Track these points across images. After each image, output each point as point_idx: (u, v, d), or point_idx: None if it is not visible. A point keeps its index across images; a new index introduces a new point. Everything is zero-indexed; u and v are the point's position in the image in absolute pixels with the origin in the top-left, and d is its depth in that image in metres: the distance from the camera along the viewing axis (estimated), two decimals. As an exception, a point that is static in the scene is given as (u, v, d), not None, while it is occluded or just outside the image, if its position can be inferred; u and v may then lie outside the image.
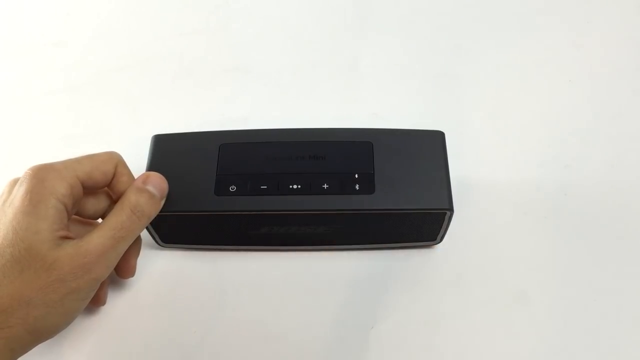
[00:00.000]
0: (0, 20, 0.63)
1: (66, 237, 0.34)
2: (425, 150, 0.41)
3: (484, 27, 0.60)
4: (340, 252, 0.45)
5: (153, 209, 0.37)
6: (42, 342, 0.34)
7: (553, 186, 0.48)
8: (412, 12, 0.61)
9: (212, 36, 0.60)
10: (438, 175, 0.40)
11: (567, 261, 0.44)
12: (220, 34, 0.60)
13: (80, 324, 0.41)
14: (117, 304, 0.43)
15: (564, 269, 0.44)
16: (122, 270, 0.40)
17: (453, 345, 0.40)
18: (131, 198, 0.36)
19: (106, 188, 0.39)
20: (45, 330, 0.34)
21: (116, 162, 0.38)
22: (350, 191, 0.39)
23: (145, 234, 0.41)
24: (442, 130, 0.42)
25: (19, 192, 0.33)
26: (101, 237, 0.34)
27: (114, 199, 0.38)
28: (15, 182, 0.35)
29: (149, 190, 0.37)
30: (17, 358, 0.33)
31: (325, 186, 0.39)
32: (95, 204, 0.38)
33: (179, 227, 0.42)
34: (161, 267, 0.44)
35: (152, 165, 0.41)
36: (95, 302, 0.41)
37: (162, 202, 0.38)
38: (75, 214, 0.38)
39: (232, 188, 0.40)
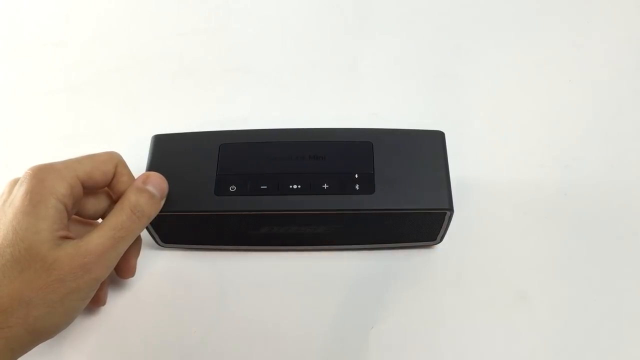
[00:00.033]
0: (0, 20, 0.63)
1: (66, 237, 0.34)
2: (425, 150, 0.41)
3: (484, 27, 0.60)
4: (340, 252, 0.45)
5: (153, 209, 0.37)
6: (42, 342, 0.34)
7: (553, 186, 0.48)
8: (412, 12, 0.61)
9: (212, 36, 0.60)
10: (438, 175, 0.40)
11: (567, 261, 0.44)
12: (220, 34, 0.60)
13: (80, 324, 0.41)
14: (117, 304, 0.43)
15: (564, 269, 0.44)
16: (122, 270, 0.40)
17: (453, 345, 0.40)
18: (131, 198, 0.36)
19: (106, 188, 0.39)
20: (45, 330, 0.34)
21: (116, 162, 0.38)
22: (350, 191, 0.39)
23: (145, 234, 0.41)
24: (442, 130, 0.42)
25: (19, 192, 0.33)
26: (101, 237, 0.34)
27: (114, 199, 0.38)
28: (15, 182, 0.35)
29: (149, 190, 0.37)
30: (17, 358, 0.33)
31: (325, 186, 0.39)
32: (95, 204, 0.38)
33: (179, 227, 0.42)
34: (161, 267, 0.44)
35: (152, 165, 0.41)
36: (96, 302, 0.41)
37: (162, 202, 0.38)
38: (75, 214, 0.38)
39: (232, 188, 0.40)
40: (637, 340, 0.40)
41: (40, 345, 0.34)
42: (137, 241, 0.41)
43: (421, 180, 0.39)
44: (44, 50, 0.60)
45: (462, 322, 0.41)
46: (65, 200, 0.34)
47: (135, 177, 0.38)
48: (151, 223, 0.38)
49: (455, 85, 0.55)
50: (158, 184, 0.38)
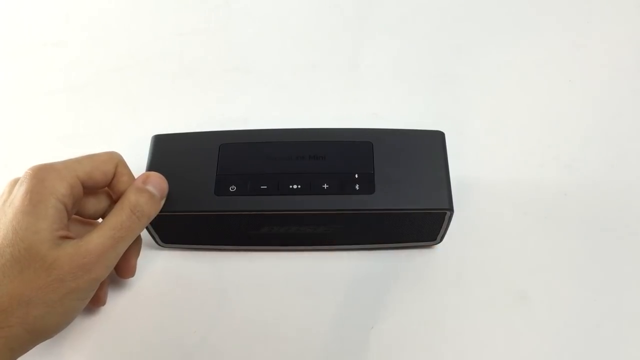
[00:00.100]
0: (0, 20, 0.63)
1: (66, 237, 0.34)
2: (425, 150, 0.41)
3: (484, 27, 0.60)
4: (340, 252, 0.45)
5: (153, 209, 0.37)
6: (42, 341, 0.34)
7: (553, 186, 0.48)
8: (412, 12, 0.61)
9: (212, 36, 0.60)
10: (438, 175, 0.40)
11: (567, 261, 0.44)
12: (220, 34, 0.60)
13: (80, 324, 0.41)
14: (117, 304, 0.43)
15: (564, 268, 0.44)
16: (122, 270, 0.40)
17: (453, 345, 0.40)
18: (131, 198, 0.36)
19: (106, 188, 0.39)
20: (45, 329, 0.34)
21: (116, 162, 0.38)
22: (350, 191, 0.39)
23: (145, 234, 0.41)
24: (442, 130, 0.42)
25: (19, 192, 0.33)
26: (101, 237, 0.34)
27: (114, 199, 0.38)
28: (15, 182, 0.35)
29: (149, 190, 0.37)
30: (17, 358, 0.33)
31: (325, 186, 0.39)
32: (95, 203, 0.38)
33: (179, 227, 0.42)
34: (161, 267, 0.44)
35: (152, 165, 0.41)
36: (95, 302, 0.41)
37: (162, 202, 0.38)
38: (75, 214, 0.38)
39: (232, 188, 0.40)
40: (637, 340, 0.40)
41: (40, 345, 0.34)
42: (137, 241, 0.41)
43: (421, 180, 0.39)
44: (44, 50, 0.60)
45: (462, 322, 0.41)
46: (65, 200, 0.34)
47: (135, 177, 0.38)
48: (151, 223, 0.38)
49: (455, 85, 0.55)
50: (158, 184, 0.38)
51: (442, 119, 0.50)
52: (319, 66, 0.57)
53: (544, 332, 0.41)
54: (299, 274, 0.44)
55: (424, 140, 0.41)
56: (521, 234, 0.45)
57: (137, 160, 0.41)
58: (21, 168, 0.35)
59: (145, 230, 0.39)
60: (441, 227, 0.41)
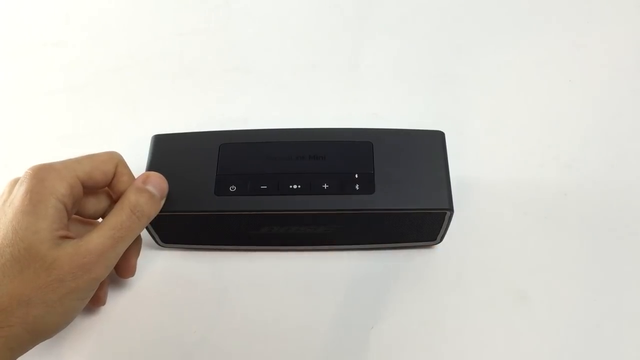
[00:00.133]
0: (0, 20, 0.63)
1: (66, 237, 0.34)
2: (425, 150, 0.41)
3: (484, 27, 0.60)
4: (340, 252, 0.45)
5: (153, 209, 0.37)
6: (42, 341, 0.34)
7: (553, 186, 0.48)
8: (412, 12, 0.61)
9: (212, 36, 0.60)
10: (438, 175, 0.40)
11: (567, 261, 0.44)
12: (220, 34, 0.60)
13: (80, 324, 0.41)
14: (117, 304, 0.43)
15: (564, 269, 0.44)
16: (122, 270, 0.40)
17: (453, 345, 0.40)
18: (131, 198, 0.36)
19: (106, 188, 0.39)
20: (45, 329, 0.34)
21: (116, 162, 0.38)
22: (350, 191, 0.39)
23: (145, 234, 0.41)
24: (442, 130, 0.42)
25: (19, 191, 0.33)
26: (101, 237, 0.34)
27: (114, 199, 0.38)
28: (15, 182, 0.35)
29: (149, 190, 0.37)
30: (17, 357, 0.33)
31: (325, 186, 0.39)
32: (95, 203, 0.38)
33: (179, 227, 0.42)
34: (161, 267, 0.44)
35: (152, 165, 0.41)
36: (95, 302, 0.41)
37: (162, 202, 0.38)
38: (75, 214, 0.38)
39: (232, 188, 0.40)
40: (637, 340, 0.40)
41: (39, 345, 0.34)
42: (137, 241, 0.41)
43: (421, 180, 0.39)
44: (44, 50, 0.60)
45: (462, 322, 0.41)
46: (65, 200, 0.34)
47: (136, 177, 0.38)
48: (151, 223, 0.38)
49: (455, 85, 0.55)
50: (158, 183, 0.38)
51: (442, 119, 0.50)
52: (319, 66, 0.57)
53: (544, 332, 0.41)
54: (299, 274, 0.44)
55: (424, 140, 0.41)
56: (521, 234, 0.45)
57: (137, 160, 0.41)
58: (21, 168, 0.35)
59: (145, 230, 0.39)
60: (441, 227, 0.41)
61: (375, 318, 0.41)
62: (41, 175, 0.34)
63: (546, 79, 0.55)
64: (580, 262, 0.44)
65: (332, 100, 0.55)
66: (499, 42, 0.58)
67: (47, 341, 0.35)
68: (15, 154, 0.52)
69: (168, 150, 0.42)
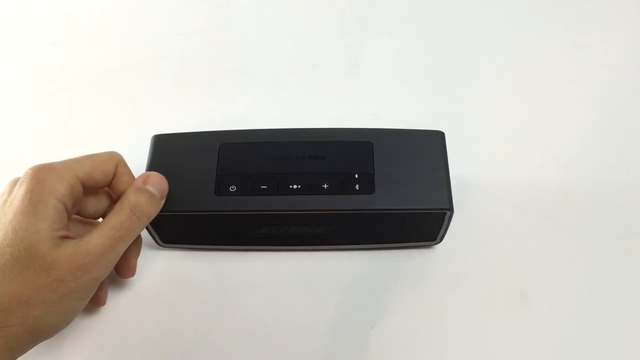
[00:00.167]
0: (0, 20, 0.63)
1: (66, 237, 0.34)
2: (425, 150, 0.41)
3: (484, 27, 0.60)
4: (340, 252, 0.45)
5: (153, 209, 0.37)
6: (42, 341, 0.34)
7: (553, 186, 0.48)
8: (412, 12, 0.61)
9: (212, 36, 0.60)
10: (438, 175, 0.40)
11: (567, 261, 0.44)
12: (220, 34, 0.60)
13: (80, 324, 0.41)
14: (117, 304, 0.43)
15: (564, 269, 0.44)
16: (123, 270, 0.40)
17: (453, 345, 0.40)
18: (131, 198, 0.36)
19: (107, 188, 0.39)
20: (45, 329, 0.34)
21: (116, 162, 0.38)
22: (350, 191, 0.39)
23: (145, 234, 0.41)
24: (442, 130, 0.42)
25: (19, 192, 0.33)
26: (101, 237, 0.34)
27: (114, 199, 0.38)
28: (15, 182, 0.35)
29: (149, 190, 0.37)
30: (16, 357, 0.33)
31: (325, 186, 0.39)
32: (95, 203, 0.38)
33: (179, 227, 0.42)
34: (161, 267, 0.44)
35: (152, 165, 0.41)
36: (95, 302, 0.41)
37: (162, 202, 0.38)
38: (75, 214, 0.38)
39: (232, 188, 0.40)
40: (637, 341, 0.40)
41: (39, 345, 0.34)
42: (137, 241, 0.41)
43: (421, 180, 0.39)
44: (44, 50, 0.60)
45: (462, 322, 0.41)
46: (65, 200, 0.34)
47: (136, 177, 0.38)
48: (151, 223, 0.38)
49: (455, 85, 0.55)
50: (158, 183, 0.38)
51: (442, 119, 0.50)
52: (319, 66, 0.57)
53: (544, 332, 0.41)
54: (299, 274, 0.44)
55: (424, 140, 0.41)
56: (521, 234, 0.45)
57: (137, 160, 0.41)
58: (21, 168, 0.35)
59: (145, 230, 0.39)
60: (441, 227, 0.41)
61: (375, 318, 0.41)
62: (41, 175, 0.34)
63: (546, 79, 0.55)
64: (580, 262, 0.44)
65: (332, 100, 0.55)
66: (499, 42, 0.58)
67: (47, 341, 0.35)
68: (15, 154, 0.52)
69: (168, 150, 0.42)
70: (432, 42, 0.59)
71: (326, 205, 0.39)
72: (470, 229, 0.45)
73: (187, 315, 0.42)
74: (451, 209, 0.39)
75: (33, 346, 0.34)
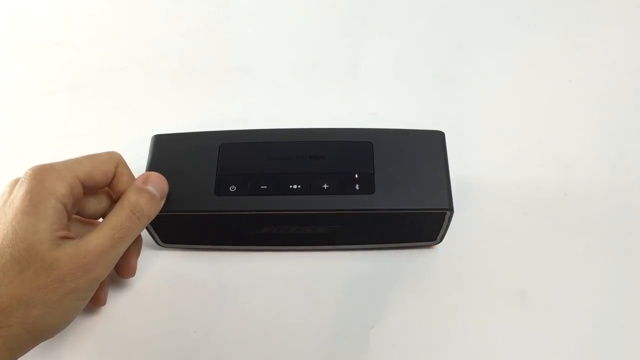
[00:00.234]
0: (0, 20, 0.63)
1: (66, 237, 0.34)
2: (425, 150, 0.41)
3: (484, 27, 0.60)
4: (340, 252, 0.45)
5: (153, 209, 0.37)
6: (42, 341, 0.34)
7: (553, 186, 0.48)
8: (412, 12, 0.61)
9: (212, 36, 0.60)
10: (438, 175, 0.40)
11: (567, 261, 0.44)
12: (220, 34, 0.60)
13: (80, 324, 0.41)
14: (117, 304, 0.43)
15: (563, 269, 0.44)
16: (123, 270, 0.40)
17: (453, 345, 0.40)
18: (131, 198, 0.36)
19: (107, 188, 0.39)
20: (45, 329, 0.34)
21: (117, 162, 0.38)
22: (350, 191, 0.39)
23: (145, 234, 0.41)
24: (442, 130, 0.42)
25: (19, 192, 0.33)
26: (101, 237, 0.34)
27: (114, 199, 0.38)
28: (16, 182, 0.35)
29: (149, 190, 0.37)
30: (17, 358, 0.33)
31: (325, 186, 0.39)
32: (96, 203, 0.38)
33: (179, 227, 0.42)
34: (161, 267, 0.44)
35: (152, 165, 0.41)
36: (96, 303, 0.41)
37: (162, 202, 0.38)
38: (76, 214, 0.38)
39: (232, 188, 0.40)
40: (637, 341, 0.40)
41: (39, 345, 0.34)
42: (138, 241, 0.41)
43: (421, 180, 0.39)
44: (44, 50, 0.59)
45: (462, 322, 0.41)
46: (65, 200, 0.34)
47: (136, 177, 0.38)
48: (151, 223, 0.38)
49: (455, 85, 0.55)
50: (158, 184, 0.38)
51: (442, 119, 0.50)
52: (318, 66, 0.57)
53: (544, 332, 0.41)
54: (299, 274, 0.44)
55: (424, 140, 0.41)
56: (521, 234, 0.45)
57: (137, 160, 0.41)
58: (21, 168, 0.35)
59: (145, 230, 0.39)
60: (441, 227, 0.41)
61: (376, 318, 0.41)
62: (41, 175, 0.34)
63: (546, 79, 0.55)
64: (580, 262, 0.44)
65: (332, 100, 0.55)
66: (499, 42, 0.58)
67: (47, 341, 0.35)
68: (15, 154, 0.52)
69: (168, 150, 0.42)
70: (432, 42, 0.59)
71: (326, 205, 0.39)
72: (470, 229, 0.45)
73: (187, 315, 0.42)
74: (451, 209, 0.39)
75: (33, 346, 0.34)
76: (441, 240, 0.43)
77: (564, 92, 0.54)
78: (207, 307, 0.42)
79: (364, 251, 0.45)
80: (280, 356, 0.40)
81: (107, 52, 0.59)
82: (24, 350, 0.33)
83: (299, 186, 0.39)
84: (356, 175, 0.40)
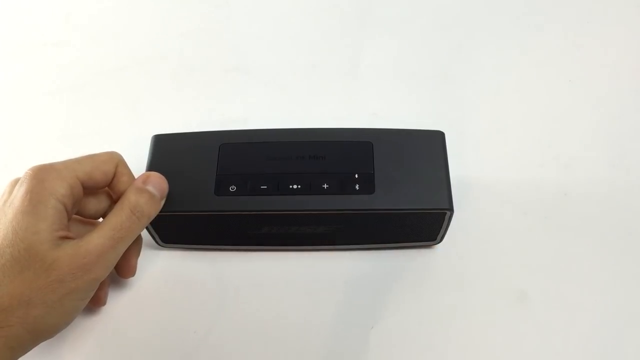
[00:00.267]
0: (0, 20, 0.63)
1: (66, 237, 0.34)
2: (425, 150, 0.41)
3: (484, 27, 0.60)
4: (340, 252, 0.45)
5: (153, 209, 0.37)
6: (42, 341, 0.34)
7: (553, 186, 0.48)
8: (412, 12, 0.61)
9: (212, 36, 0.60)
10: (438, 175, 0.40)
11: (567, 261, 0.44)
12: (220, 34, 0.60)
13: (80, 324, 0.41)
14: (117, 304, 0.43)
15: (564, 269, 0.44)
16: (123, 270, 0.40)
17: (453, 345, 0.40)
18: (131, 198, 0.36)
19: (107, 188, 0.39)
20: (45, 329, 0.34)
21: (117, 162, 0.38)
22: (350, 191, 0.39)
23: (145, 234, 0.41)
24: (442, 130, 0.42)
25: (19, 192, 0.33)
26: (101, 237, 0.34)
27: (114, 199, 0.38)
28: (16, 182, 0.35)
29: (149, 190, 0.37)
30: (17, 358, 0.33)
31: (325, 186, 0.39)
32: (96, 203, 0.38)
33: (179, 227, 0.42)
34: (161, 267, 0.44)
35: (152, 165, 0.41)
36: (96, 303, 0.41)
37: (162, 202, 0.38)
38: (76, 214, 0.38)
39: (232, 188, 0.40)
40: (637, 341, 0.40)
41: (40, 345, 0.34)
42: (138, 241, 0.41)
43: (421, 180, 0.39)
44: (44, 50, 0.59)
45: (462, 322, 0.41)
46: (65, 200, 0.34)
47: (136, 177, 0.38)
48: (151, 223, 0.38)
49: (455, 85, 0.55)
50: (158, 184, 0.38)
51: (442, 119, 0.50)
52: (318, 66, 0.57)
53: (544, 332, 0.41)
54: (299, 274, 0.44)
55: (424, 140, 0.41)
56: (521, 234, 0.45)
57: (137, 160, 0.41)
58: (21, 168, 0.35)
59: (145, 230, 0.39)
60: (441, 227, 0.41)
61: (376, 318, 0.41)
62: (41, 175, 0.34)
63: (546, 79, 0.55)
64: (580, 262, 0.44)
65: (332, 101, 0.55)
66: (499, 42, 0.58)
67: (47, 341, 0.35)
68: (15, 154, 0.52)
69: (168, 150, 0.42)
70: (432, 42, 0.59)
71: (326, 205, 0.39)
72: (470, 229, 0.45)
73: (187, 315, 0.42)
74: (451, 209, 0.39)
75: (34, 346, 0.34)
76: (441, 240, 0.43)
77: (564, 92, 0.54)
78: (207, 307, 0.42)
79: (364, 251, 0.45)
80: (280, 356, 0.40)
81: (107, 52, 0.59)
82: (25, 350, 0.33)
83: (299, 186, 0.39)
84: (356, 175, 0.40)
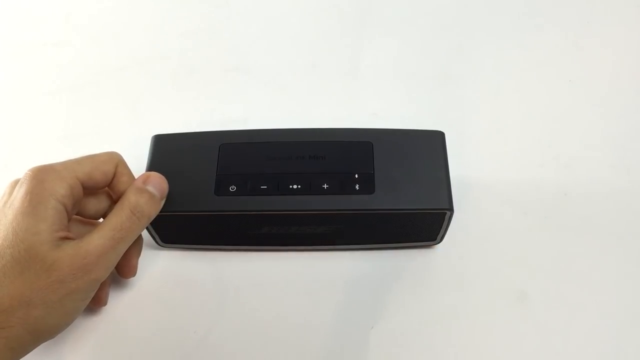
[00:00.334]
0: (0, 20, 0.63)
1: (66, 238, 0.34)
2: (425, 150, 0.41)
3: (484, 27, 0.60)
4: (340, 252, 0.45)
5: (153, 209, 0.37)
6: (43, 342, 0.34)
7: (553, 186, 0.48)
8: (412, 12, 0.61)
9: (212, 36, 0.60)
10: (438, 175, 0.40)
11: (567, 261, 0.44)
12: (220, 34, 0.60)
13: (81, 325, 0.41)
14: (118, 304, 0.43)
15: (563, 269, 0.44)
16: (124, 270, 0.40)
17: (453, 345, 0.40)
18: (131, 198, 0.36)
19: (107, 188, 0.39)
20: (46, 330, 0.34)
21: (116, 162, 0.38)
22: (350, 191, 0.39)
23: (145, 234, 0.41)
24: (442, 130, 0.42)
25: (19, 193, 0.33)
26: (101, 237, 0.34)
27: (114, 199, 0.38)
28: (16, 183, 0.35)
29: (149, 190, 0.37)
30: (18, 358, 0.33)
31: (325, 186, 0.39)
32: (96, 204, 0.38)
33: (179, 227, 0.42)
34: (161, 267, 0.44)
35: (152, 165, 0.41)
36: (97, 303, 0.41)
37: (162, 202, 0.38)
38: (76, 214, 0.38)
39: (232, 188, 0.40)
40: (637, 341, 0.40)
41: (41, 345, 0.34)
42: (138, 241, 0.41)
43: (421, 180, 0.39)
44: (44, 50, 0.59)
45: (462, 322, 0.41)
46: (65, 201, 0.34)
47: (136, 177, 0.38)
48: (151, 223, 0.38)
49: (455, 85, 0.55)
50: (158, 184, 0.38)
51: (442, 119, 0.50)
52: (319, 66, 0.57)
53: (544, 332, 0.41)
54: (299, 274, 0.44)
55: (424, 140, 0.41)
56: (521, 234, 0.45)
57: (137, 160, 0.41)
58: (21, 168, 0.35)
59: (145, 230, 0.39)
60: (441, 227, 0.41)
61: (376, 318, 0.41)
62: (41, 176, 0.34)
63: (546, 79, 0.55)
64: (580, 262, 0.44)
65: (332, 100, 0.55)
66: (499, 42, 0.58)
67: (48, 341, 0.35)
68: (15, 154, 0.52)
69: (168, 150, 0.42)
70: (432, 42, 0.59)
71: (326, 205, 0.39)
72: (470, 229, 0.45)
73: (187, 315, 0.42)
74: (451, 209, 0.39)
75: (35, 347, 0.34)
76: (441, 240, 0.43)
77: (564, 92, 0.54)
78: (207, 307, 0.42)
79: (364, 251, 0.45)
80: (280, 356, 0.40)
81: (107, 52, 0.59)
82: (26, 350, 0.33)
83: (299, 186, 0.39)
84: (356, 175, 0.40)
